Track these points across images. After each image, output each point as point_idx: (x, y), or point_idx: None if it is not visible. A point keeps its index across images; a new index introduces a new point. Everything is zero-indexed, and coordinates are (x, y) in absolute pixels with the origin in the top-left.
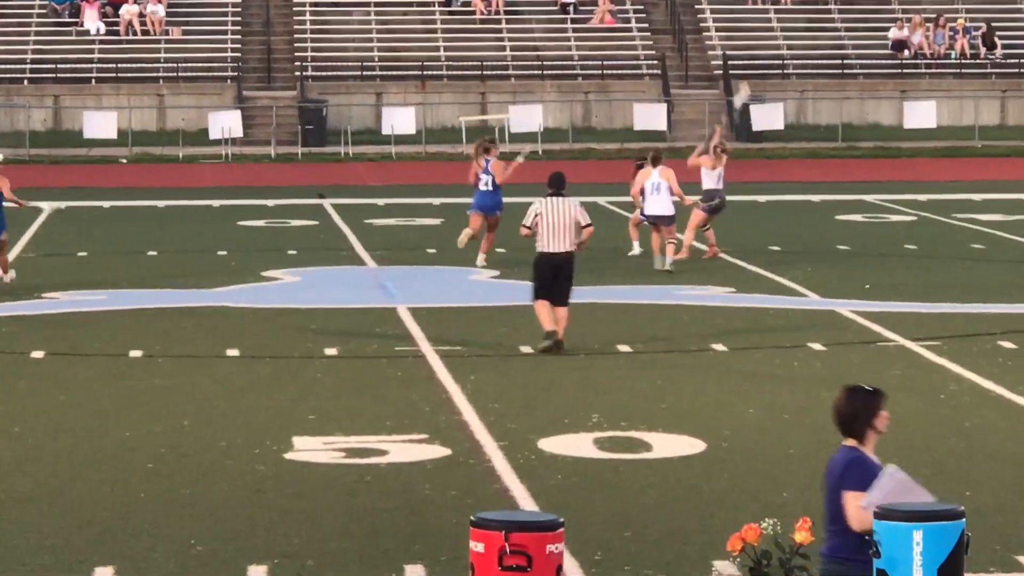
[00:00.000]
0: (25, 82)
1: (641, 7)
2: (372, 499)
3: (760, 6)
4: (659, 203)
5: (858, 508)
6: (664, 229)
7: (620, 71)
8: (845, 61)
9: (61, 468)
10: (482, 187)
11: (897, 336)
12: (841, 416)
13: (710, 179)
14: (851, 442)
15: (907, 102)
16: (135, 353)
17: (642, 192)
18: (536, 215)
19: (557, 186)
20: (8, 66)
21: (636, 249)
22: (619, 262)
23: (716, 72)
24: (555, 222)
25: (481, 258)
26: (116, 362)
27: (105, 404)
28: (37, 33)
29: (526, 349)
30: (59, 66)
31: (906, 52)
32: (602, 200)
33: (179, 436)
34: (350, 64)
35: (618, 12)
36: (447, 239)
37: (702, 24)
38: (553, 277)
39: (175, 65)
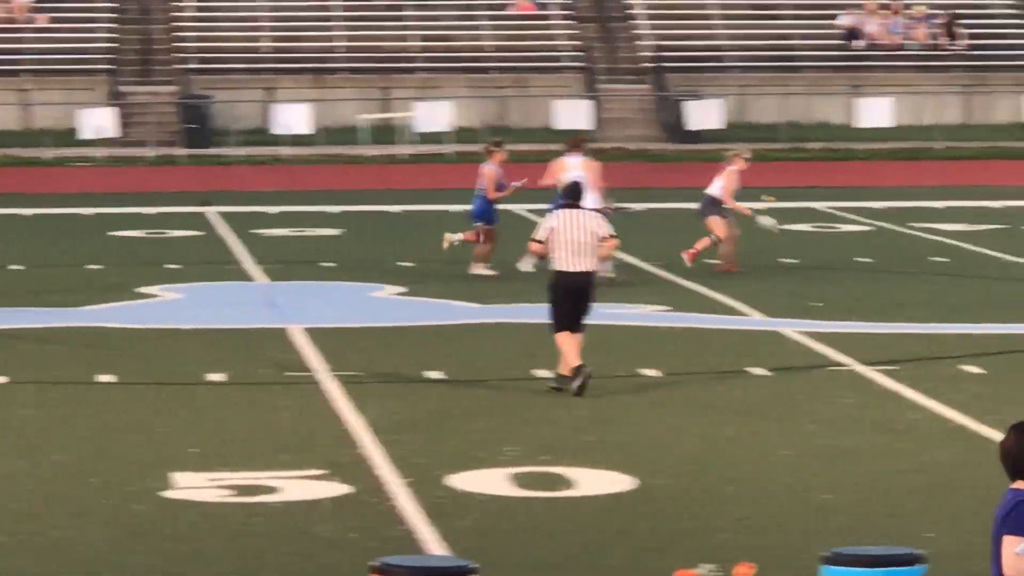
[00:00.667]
0: None
1: None
2: (262, 542)
3: None
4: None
5: (1013, 554)
6: None
7: (539, 64)
8: (790, 53)
9: None
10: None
11: (849, 360)
12: (1011, 457)
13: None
14: (1020, 484)
15: (860, 98)
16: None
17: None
18: (551, 229)
19: (574, 196)
20: None
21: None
22: (539, 276)
23: (647, 65)
24: (574, 238)
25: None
26: None
27: None
28: None
29: (434, 375)
30: None
31: (859, 42)
32: (518, 208)
33: (47, 472)
34: (237, 56)
35: None
36: (345, 251)
37: (631, 12)
38: (573, 301)
39: (41, 57)
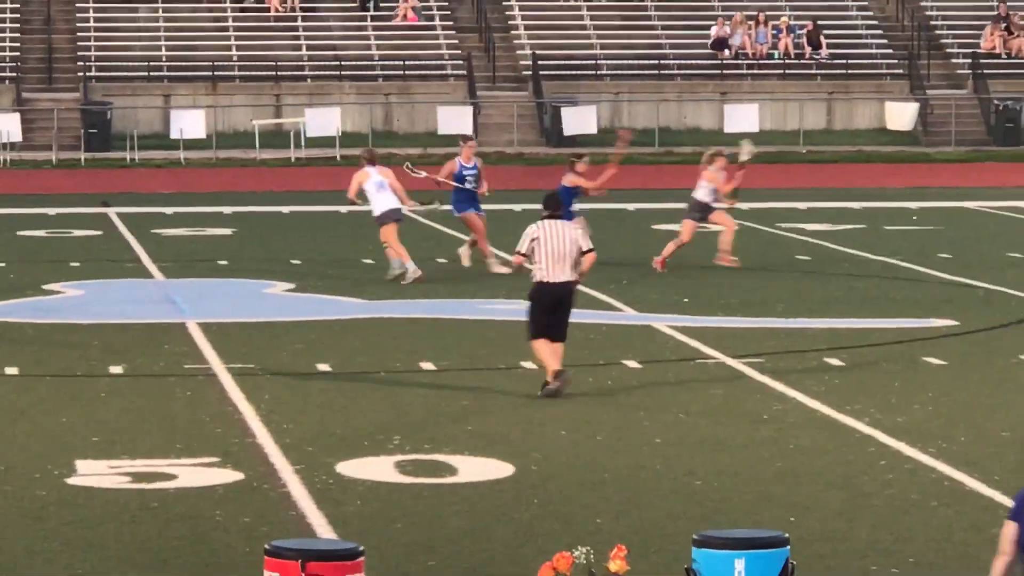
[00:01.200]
0: None
1: (446, 4)
2: (159, 526)
3: (572, 3)
4: (387, 199)
5: None
6: (398, 225)
7: (423, 72)
8: (662, 61)
9: None
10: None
11: (717, 353)
12: None
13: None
14: None
15: (728, 104)
16: None
17: (363, 194)
18: (532, 240)
19: (554, 207)
20: None
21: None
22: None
23: (525, 73)
24: (555, 249)
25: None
26: None
27: None
28: None
29: (323, 367)
30: None
31: (727, 52)
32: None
33: None
34: (136, 64)
35: (421, 9)
36: (239, 250)
37: (510, 22)
38: (552, 311)
39: None
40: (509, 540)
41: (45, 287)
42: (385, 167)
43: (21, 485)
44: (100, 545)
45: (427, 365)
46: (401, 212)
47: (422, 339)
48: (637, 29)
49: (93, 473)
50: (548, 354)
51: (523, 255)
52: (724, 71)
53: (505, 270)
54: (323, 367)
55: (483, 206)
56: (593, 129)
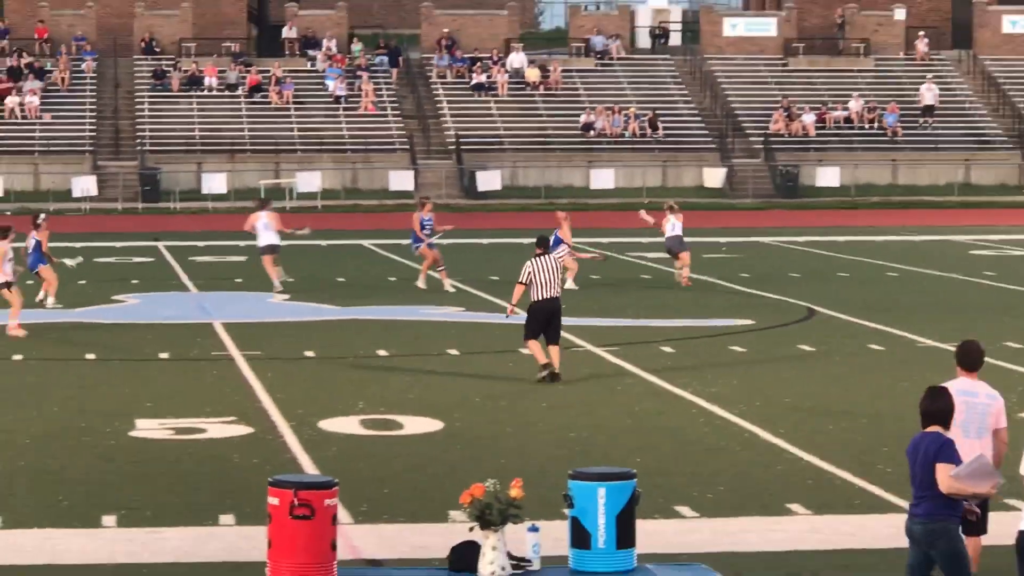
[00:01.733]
0: None
1: (395, 99)
2: (194, 465)
3: (482, 97)
4: (270, 236)
5: (948, 476)
6: (274, 256)
7: (379, 147)
8: (547, 138)
9: None
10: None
11: (586, 343)
12: (931, 409)
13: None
14: (936, 428)
15: (592, 169)
16: (16, 357)
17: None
18: (528, 272)
19: (544, 246)
20: None
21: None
22: (381, 286)
23: (451, 147)
24: (546, 278)
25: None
26: None
27: None
28: None
29: (309, 353)
30: None
31: (591, 132)
32: (366, 242)
33: (49, 421)
34: (178, 141)
35: (378, 102)
36: (249, 272)
37: (440, 111)
38: (547, 321)
39: (47, 141)
40: (440, 475)
41: (113, 298)
42: (273, 212)
43: (97, 437)
44: (152, 479)
45: (382, 352)
46: (278, 246)
47: (379, 334)
48: (529, 115)
49: (148, 428)
50: (539, 350)
51: (522, 284)
52: (590, 146)
53: (423, 286)
54: (309, 353)
55: (433, 241)
56: (498, 186)
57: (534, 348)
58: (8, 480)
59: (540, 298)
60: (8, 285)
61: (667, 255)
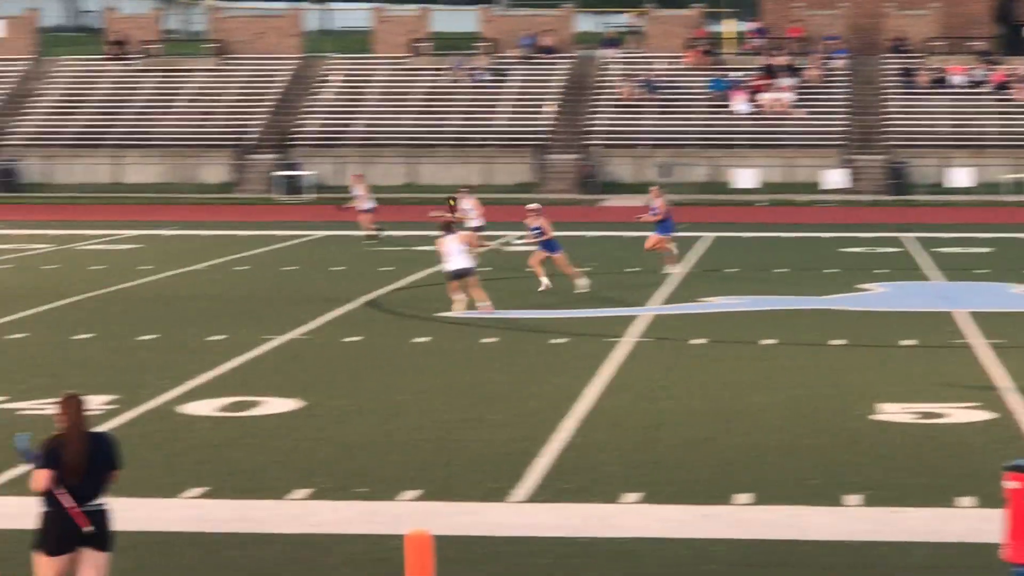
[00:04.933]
0: (691, 146)
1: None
2: (935, 448)
3: None
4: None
5: None
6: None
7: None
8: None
9: (705, 422)
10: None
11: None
12: None
13: None
14: None
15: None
16: (766, 342)
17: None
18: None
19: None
20: (678, 135)
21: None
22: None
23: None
24: None
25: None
26: (749, 348)
27: (740, 377)
28: (699, 112)
29: None
30: (713, 136)
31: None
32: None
33: (801, 402)
34: (924, 136)
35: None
36: (992, 262)
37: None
38: None
39: (799, 135)
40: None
41: (859, 286)
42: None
43: (842, 419)
44: (895, 459)
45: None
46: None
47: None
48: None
49: (890, 412)
50: None
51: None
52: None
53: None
54: None
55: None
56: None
57: None
58: (760, 457)
59: None
60: (464, 274)
61: None
